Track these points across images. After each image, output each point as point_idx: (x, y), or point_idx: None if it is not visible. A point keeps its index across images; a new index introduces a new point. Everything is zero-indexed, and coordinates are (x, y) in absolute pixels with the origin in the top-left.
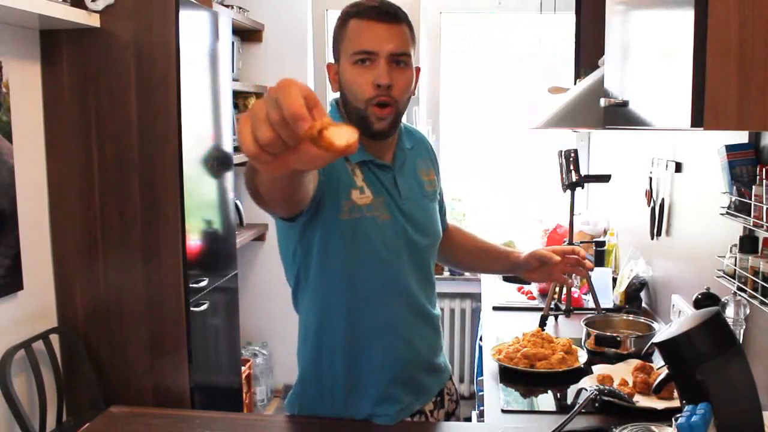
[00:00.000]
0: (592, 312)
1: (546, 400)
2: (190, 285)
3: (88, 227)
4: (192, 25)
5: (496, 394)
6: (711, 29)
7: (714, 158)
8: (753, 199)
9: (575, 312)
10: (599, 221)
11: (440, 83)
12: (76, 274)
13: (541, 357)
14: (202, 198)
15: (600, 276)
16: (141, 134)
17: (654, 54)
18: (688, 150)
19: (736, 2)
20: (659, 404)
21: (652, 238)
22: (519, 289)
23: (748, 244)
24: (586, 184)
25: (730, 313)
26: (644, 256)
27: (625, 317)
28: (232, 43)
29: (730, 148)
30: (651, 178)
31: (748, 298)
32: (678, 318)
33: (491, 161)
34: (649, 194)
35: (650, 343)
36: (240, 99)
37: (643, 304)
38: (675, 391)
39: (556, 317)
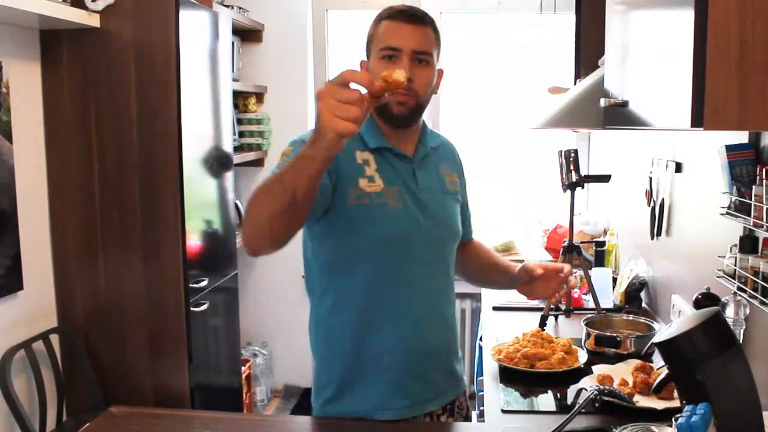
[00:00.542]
0: (592, 312)
1: (546, 400)
2: (190, 285)
3: (88, 227)
4: (192, 25)
5: (496, 394)
6: (711, 29)
7: (714, 158)
8: (753, 199)
9: (575, 312)
10: (599, 221)
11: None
12: (76, 274)
13: (541, 357)
14: (202, 198)
15: (600, 276)
16: (141, 134)
17: (654, 54)
18: (688, 150)
19: (736, 2)
20: (659, 404)
21: (652, 238)
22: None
23: (748, 244)
24: (586, 184)
25: (730, 313)
26: (644, 256)
27: (625, 317)
28: (232, 43)
29: (730, 148)
30: (651, 178)
31: (748, 298)
32: (678, 318)
33: (491, 161)
34: (649, 194)
35: (650, 343)
36: (240, 99)
37: (643, 304)
38: (675, 391)
39: (556, 317)
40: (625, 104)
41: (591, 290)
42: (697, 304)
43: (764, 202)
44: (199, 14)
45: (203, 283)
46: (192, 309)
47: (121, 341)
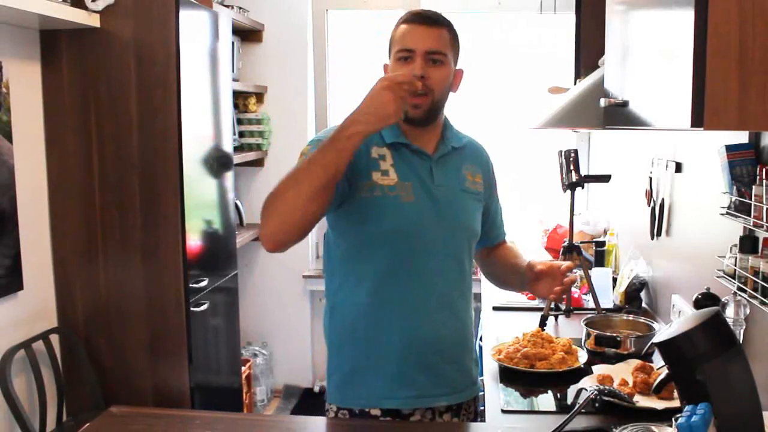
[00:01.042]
0: (592, 312)
1: (546, 400)
2: (190, 285)
3: (88, 227)
4: (192, 25)
5: (496, 394)
6: (711, 29)
7: (714, 158)
8: (753, 199)
9: (575, 312)
10: (599, 221)
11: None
12: (76, 274)
13: (541, 357)
14: (202, 198)
15: (600, 276)
16: (141, 134)
17: (654, 54)
18: (688, 150)
19: (736, 2)
20: (659, 404)
21: (652, 238)
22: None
23: (748, 244)
24: (586, 184)
25: (730, 313)
26: (644, 256)
27: (625, 317)
28: (232, 43)
29: (730, 148)
30: (651, 178)
31: (748, 298)
32: (678, 318)
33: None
34: (649, 194)
35: (650, 343)
36: (240, 99)
37: (643, 304)
38: (675, 391)
39: (556, 317)
40: (625, 104)
41: (591, 290)
42: (697, 304)
43: (764, 202)
44: (199, 14)
45: (203, 283)
46: (192, 309)
47: (121, 341)
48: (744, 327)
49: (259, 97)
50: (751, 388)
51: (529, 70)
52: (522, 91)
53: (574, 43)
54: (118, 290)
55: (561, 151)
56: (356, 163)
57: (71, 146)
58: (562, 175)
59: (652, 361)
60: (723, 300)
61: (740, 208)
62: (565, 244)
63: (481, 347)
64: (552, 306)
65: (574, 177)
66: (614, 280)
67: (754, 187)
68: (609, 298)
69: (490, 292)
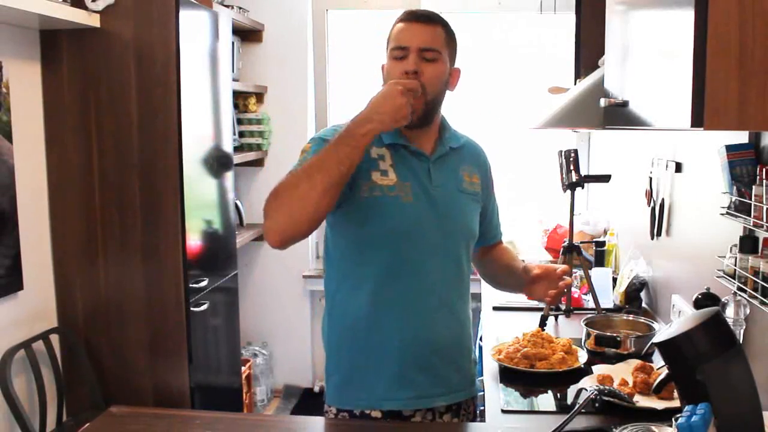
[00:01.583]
0: (592, 312)
1: (546, 400)
2: (190, 285)
3: (88, 227)
4: (192, 25)
5: (496, 394)
6: (711, 29)
7: (714, 158)
8: (753, 199)
9: (575, 312)
10: (599, 221)
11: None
12: (76, 274)
13: (541, 357)
14: (202, 198)
15: (600, 276)
16: (141, 134)
17: (654, 54)
18: (688, 150)
19: (736, 2)
20: (659, 404)
21: (652, 238)
22: None
23: (748, 244)
24: (586, 184)
25: (730, 313)
26: (644, 256)
27: (625, 317)
28: (232, 43)
29: (730, 148)
30: (651, 178)
31: (748, 298)
32: (678, 318)
33: (491, 161)
34: (649, 194)
35: (650, 343)
36: (240, 99)
37: (643, 304)
38: (675, 391)
39: (556, 317)
40: (625, 104)
41: (591, 290)
42: (697, 304)
43: (764, 202)
44: (199, 14)
45: (203, 283)
46: (192, 309)
47: (121, 341)
48: (744, 327)
49: (259, 97)
50: (751, 388)
51: (529, 70)
52: (522, 91)
53: (574, 43)
54: (118, 290)
55: (561, 151)
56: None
57: (71, 146)
58: (562, 175)
59: (652, 361)
60: (723, 300)
61: (740, 208)
62: (565, 244)
63: (481, 347)
64: (552, 306)
65: (574, 177)
66: (614, 280)
67: (754, 187)
68: (609, 298)
69: (490, 293)
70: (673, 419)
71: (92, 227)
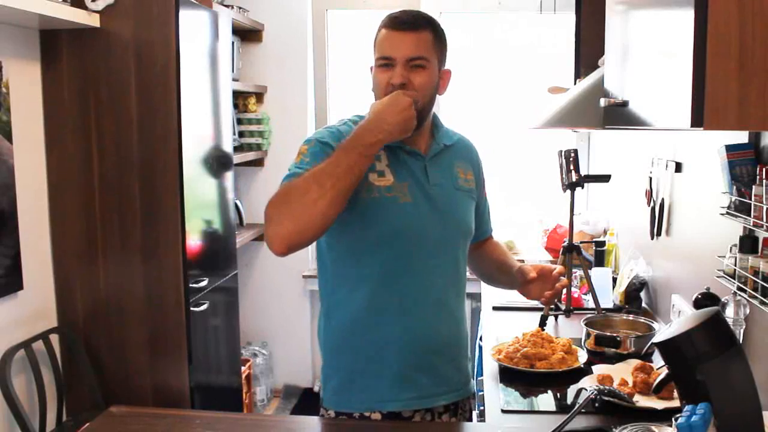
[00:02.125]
0: (592, 312)
1: (546, 400)
2: (190, 285)
3: (88, 227)
4: (192, 25)
5: (496, 394)
6: (711, 29)
7: (714, 158)
8: (753, 199)
9: (575, 312)
10: (599, 221)
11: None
12: (76, 274)
13: (541, 357)
14: (202, 198)
15: (600, 276)
16: (141, 134)
17: (654, 54)
18: (688, 150)
19: (736, 2)
20: (659, 404)
21: (652, 238)
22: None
23: (748, 244)
24: (586, 184)
25: (730, 313)
26: (644, 256)
27: (625, 317)
28: (232, 43)
29: (730, 148)
30: (651, 178)
31: (748, 298)
32: (678, 318)
33: (491, 161)
34: (649, 194)
35: (650, 343)
36: (240, 99)
37: (643, 304)
38: (675, 391)
39: (556, 317)
40: (625, 104)
41: (591, 290)
42: (697, 304)
43: (764, 202)
44: (199, 14)
45: (203, 283)
46: (192, 309)
47: (121, 341)
48: (744, 327)
49: (259, 97)
50: (751, 388)
51: (529, 70)
52: (522, 91)
53: (574, 43)
54: (118, 290)
55: (561, 151)
56: None
57: (71, 146)
58: (562, 175)
59: (652, 361)
60: (723, 300)
61: (740, 208)
62: (565, 244)
63: (481, 347)
64: (552, 306)
65: (574, 177)
66: (614, 280)
67: (754, 187)
68: (609, 298)
69: (490, 292)
70: (673, 419)
71: (92, 227)
